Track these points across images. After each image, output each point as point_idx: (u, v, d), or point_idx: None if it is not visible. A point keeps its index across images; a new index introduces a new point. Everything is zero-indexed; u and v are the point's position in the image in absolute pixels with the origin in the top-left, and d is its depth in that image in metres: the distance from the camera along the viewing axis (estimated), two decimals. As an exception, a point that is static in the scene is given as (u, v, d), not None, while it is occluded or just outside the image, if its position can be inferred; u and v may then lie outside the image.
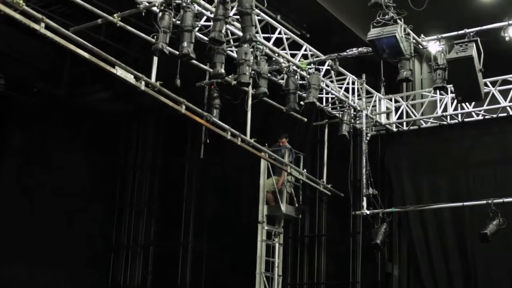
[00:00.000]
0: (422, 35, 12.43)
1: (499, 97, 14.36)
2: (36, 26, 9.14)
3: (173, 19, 10.22)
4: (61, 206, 17.18)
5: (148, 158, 19.84)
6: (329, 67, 13.61)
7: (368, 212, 14.38)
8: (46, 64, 16.91)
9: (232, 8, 10.60)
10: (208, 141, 14.06)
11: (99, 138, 18.51)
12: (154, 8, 10.32)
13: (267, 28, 12.29)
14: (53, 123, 17.45)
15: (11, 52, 15.81)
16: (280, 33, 12.54)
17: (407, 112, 15.63)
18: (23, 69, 16.56)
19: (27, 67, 16.57)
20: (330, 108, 15.22)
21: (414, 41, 11.95)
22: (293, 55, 12.95)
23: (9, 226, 15.89)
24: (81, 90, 18.40)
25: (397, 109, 15.76)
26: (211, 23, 10.46)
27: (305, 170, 15.45)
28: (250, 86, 12.43)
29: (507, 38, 12.16)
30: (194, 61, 11.50)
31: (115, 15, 10.43)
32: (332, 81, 14.18)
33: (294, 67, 12.85)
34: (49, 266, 16.60)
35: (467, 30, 11.79)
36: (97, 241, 18.86)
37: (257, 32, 11.57)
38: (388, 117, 15.84)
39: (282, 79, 13.15)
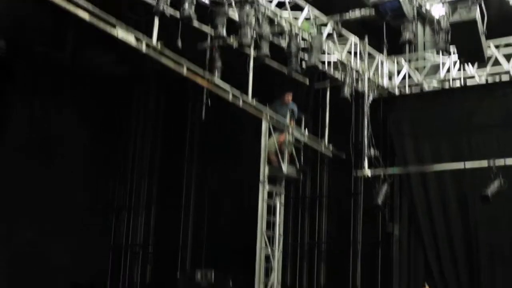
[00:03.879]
0: (425, -3, 12.35)
1: (502, 60, 14.28)
2: (36, -13, 9.09)
3: (174, -19, 10.17)
4: (63, 170, 17.21)
5: (149, 121, 19.81)
6: (331, 29, 13.54)
7: (369, 173, 14.44)
8: (47, 27, 16.79)
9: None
10: (209, 103, 14.06)
11: (100, 102, 18.45)
12: (155, -30, 10.25)
13: (269, -10, 12.20)
14: (55, 88, 17.41)
15: (12, 16, 15.69)
16: (282, -6, 12.47)
17: (409, 75, 15.57)
18: (24, 32, 16.45)
19: (28, 30, 16.45)
20: (332, 71, 15.17)
21: (417, 3, 11.86)
22: (295, 17, 12.87)
23: (12, 190, 15.96)
24: (82, 54, 18.31)
25: (399, 72, 15.70)
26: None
27: (306, 130, 15.46)
28: (252, 48, 12.38)
29: (510, 2, 12.08)
30: (195, 24, 11.45)
31: (116, -24, 10.35)
32: (334, 43, 14.10)
33: (296, 30, 12.79)
34: (51, 228, 16.70)
35: (471, -7, 11.69)
36: (98, 203, 18.96)
37: (258, -6, 11.51)
38: (390, 80, 15.79)
39: (284, 41, 13.10)
